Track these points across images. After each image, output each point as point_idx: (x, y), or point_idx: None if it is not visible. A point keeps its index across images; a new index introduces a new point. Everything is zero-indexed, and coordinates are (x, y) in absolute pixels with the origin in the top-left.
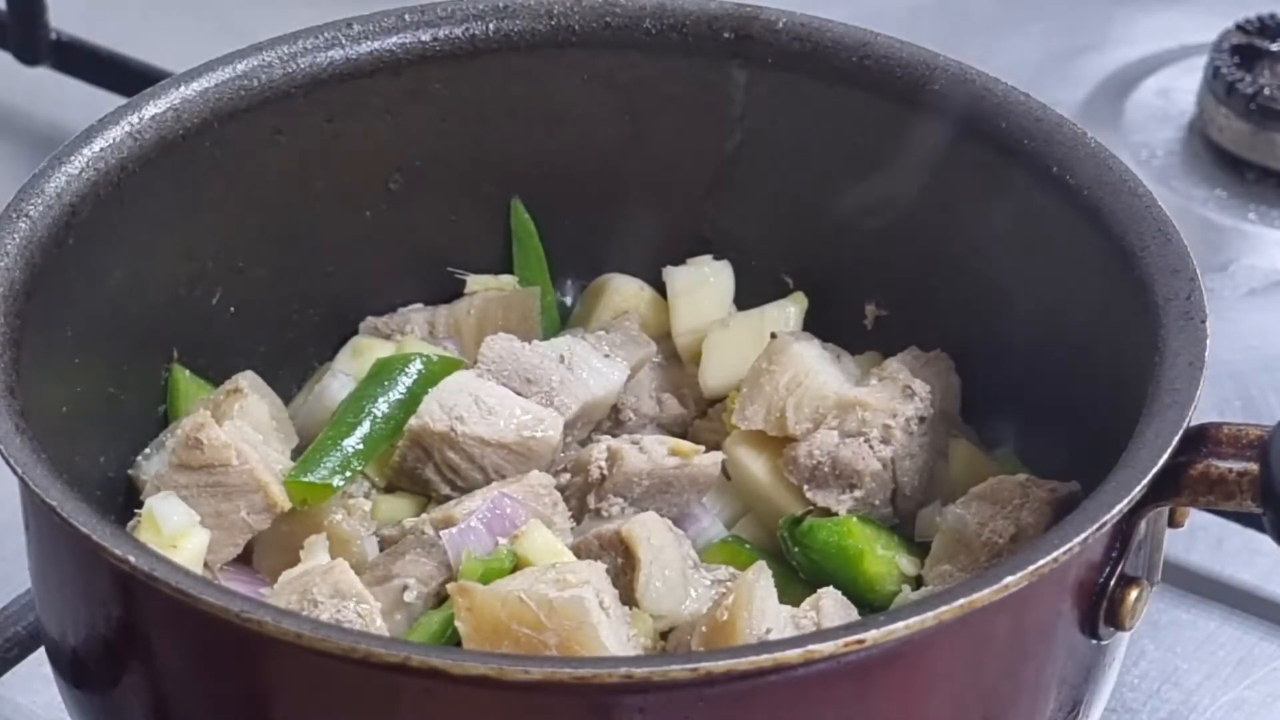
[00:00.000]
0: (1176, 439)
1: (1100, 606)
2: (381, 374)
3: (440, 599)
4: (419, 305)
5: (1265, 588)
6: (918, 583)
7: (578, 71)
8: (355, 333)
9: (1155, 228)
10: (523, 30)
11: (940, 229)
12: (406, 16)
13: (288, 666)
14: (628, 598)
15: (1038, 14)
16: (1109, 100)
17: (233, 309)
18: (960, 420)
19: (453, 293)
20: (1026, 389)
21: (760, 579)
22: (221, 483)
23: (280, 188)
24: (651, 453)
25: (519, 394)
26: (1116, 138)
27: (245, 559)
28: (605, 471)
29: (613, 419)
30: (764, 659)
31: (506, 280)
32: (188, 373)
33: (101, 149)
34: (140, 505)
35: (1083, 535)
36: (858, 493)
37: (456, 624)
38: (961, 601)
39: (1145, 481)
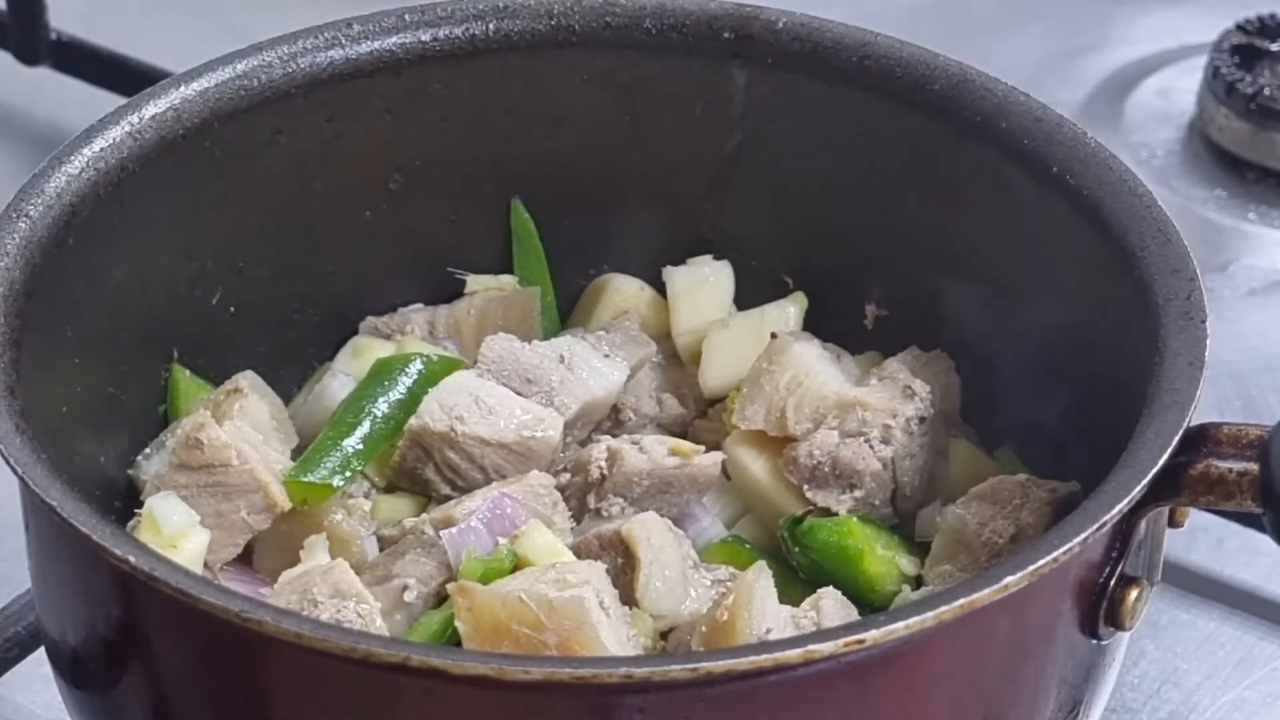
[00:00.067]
0: (1176, 439)
1: (1100, 606)
2: (381, 374)
3: (440, 599)
4: (419, 305)
5: (1265, 588)
6: (918, 583)
7: (578, 71)
8: (355, 333)
9: (1155, 228)
10: (523, 30)
11: (940, 229)
12: (406, 16)
13: (288, 666)
14: (628, 598)
15: (1038, 14)
16: (1109, 100)
17: (233, 309)
18: (960, 420)
19: (453, 293)
20: (1026, 389)
21: (760, 579)
22: (221, 483)
23: (280, 188)
24: (651, 453)
25: (519, 394)
26: (1116, 138)
27: (245, 559)
28: (605, 471)
29: (613, 419)
30: (764, 659)
31: (506, 280)
32: (188, 373)
33: (101, 149)
34: (140, 505)
35: (1083, 535)
36: (858, 493)
37: (456, 624)
38: (961, 601)
39: (1145, 481)
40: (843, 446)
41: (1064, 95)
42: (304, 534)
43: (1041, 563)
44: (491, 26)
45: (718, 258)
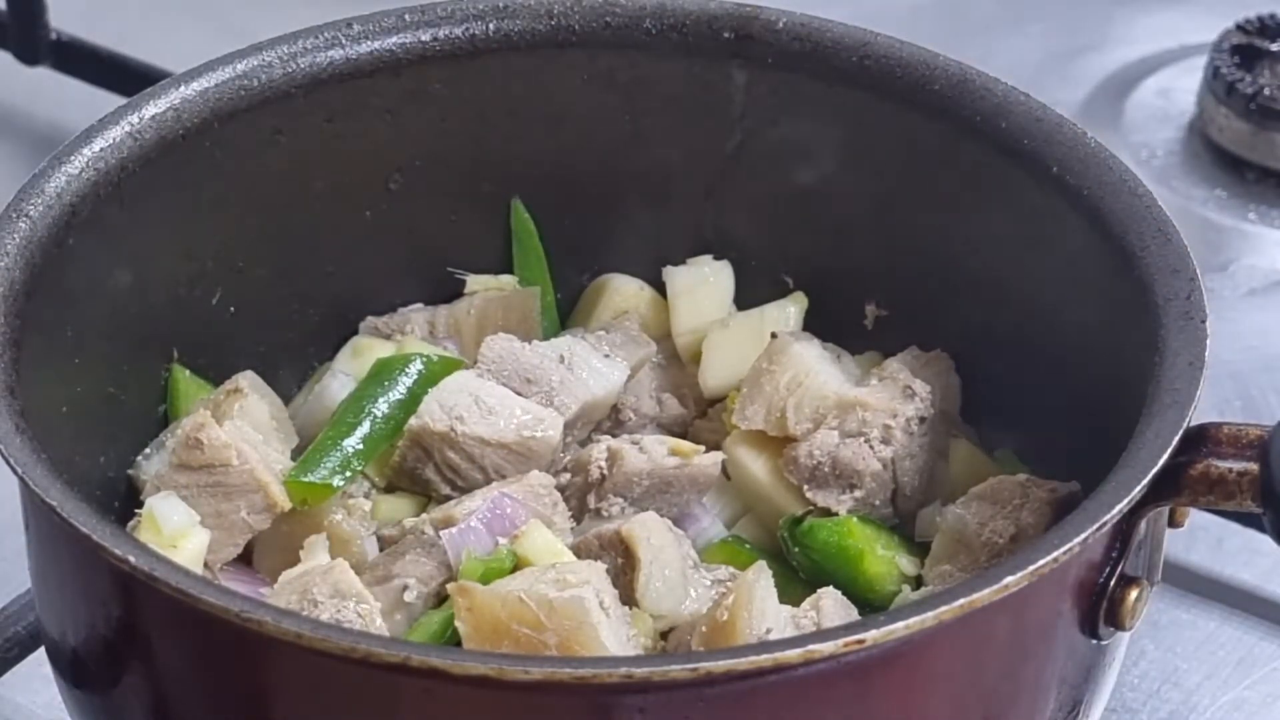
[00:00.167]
0: (1176, 439)
1: (1100, 606)
2: (381, 374)
3: (440, 599)
4: (419, 305)
5: (1265, 588)
6: (918, 583)
7: (578, 71)
8: (355, 333)
9: (1155, 228)
10: (523, 30)
11: (940, 229)
12: (406, 16)
13: (288, 666)
14: (628, 598)
15: (1038, 14)
16: (1109, 100)
17: (233, 309)
18: (960, 420)
19: (453, 293)
20: (1026, 389)
21: (760, 579)
22: (221, 483)
23: (280, 188)
24: (651, 453)
25: (519, 394)
26: (1116, 138)
27: (245, 559)
28: (605, 471)
29: (613, 419)
30: (764, 659)
31: (506, 280)
32: (188, 373)
33: (101, 149)
34: (140, 505)
35: (1083, 535)
36: (858, 493)
37: (456, 624)
38: (961, 601)
39: (1145, 481)
40: (843, 446)
41: (1064, 95)
42: (304, 534)
43: (1041, 563)
44: (491, 26)
45: (718, 258)
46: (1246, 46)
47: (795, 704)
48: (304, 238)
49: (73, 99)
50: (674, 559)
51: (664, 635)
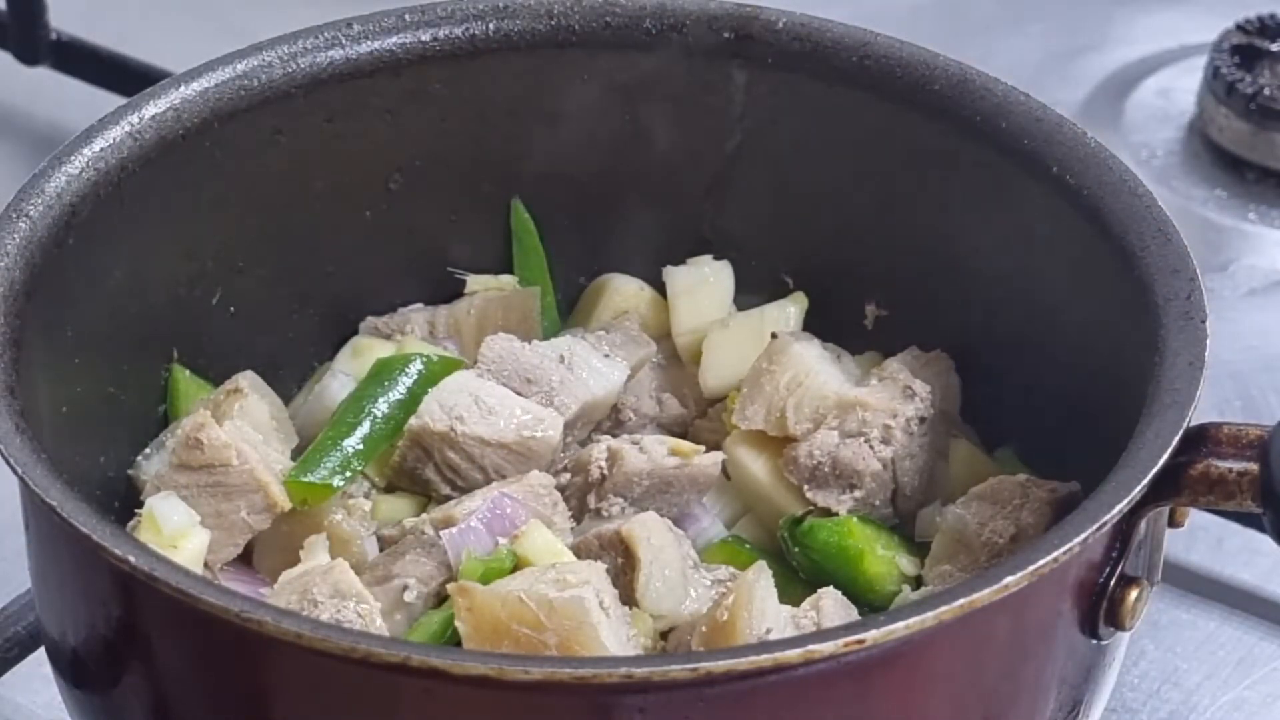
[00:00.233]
0: (1176, 439)
1: (1100, 606)
2: (381, 374)
3: (440, 599)
4: (419, 305)
5: (1265, 588)
6: (918, 583)
7: (578, 71)
8: (355, 333)
9: (1155, 228)
10: (523, 30)
11: (940, 229)
12: (406, 16)
13: (288, 666)
14: (628, 598)
15: (1038, 14)
16: (1109, 100)
17: (233, 309)
18: (960, 420)
19: (453, 293)
20: (1026, 389)
21: (760, 579)
22: (221, 483)
23: (280, 188)
24: (651, 453)
25: (519, 394)
26: (1116, 138)
27: (245, 559)
28: (605, 471)
29: (613, 419)
30: (764, 659)
31: (506, 280)
32: (188, 373)
33: (101, 149)
34: (140, 505)
35: (1083, 535)
36: (858, 493)
37: (456, 624)
38: (961, 601)
39: (1145, 481)
40: (843, 447)
41: (1064, 95)
42: (304, 534)
43: (1041, 563)
44: (491, 26)
45: (718, 258)
46: (1246, 46)
47: (795, 704)
48: (304, 238)
49: (73, 99)
50: (674, 559)
51: (664, 635)
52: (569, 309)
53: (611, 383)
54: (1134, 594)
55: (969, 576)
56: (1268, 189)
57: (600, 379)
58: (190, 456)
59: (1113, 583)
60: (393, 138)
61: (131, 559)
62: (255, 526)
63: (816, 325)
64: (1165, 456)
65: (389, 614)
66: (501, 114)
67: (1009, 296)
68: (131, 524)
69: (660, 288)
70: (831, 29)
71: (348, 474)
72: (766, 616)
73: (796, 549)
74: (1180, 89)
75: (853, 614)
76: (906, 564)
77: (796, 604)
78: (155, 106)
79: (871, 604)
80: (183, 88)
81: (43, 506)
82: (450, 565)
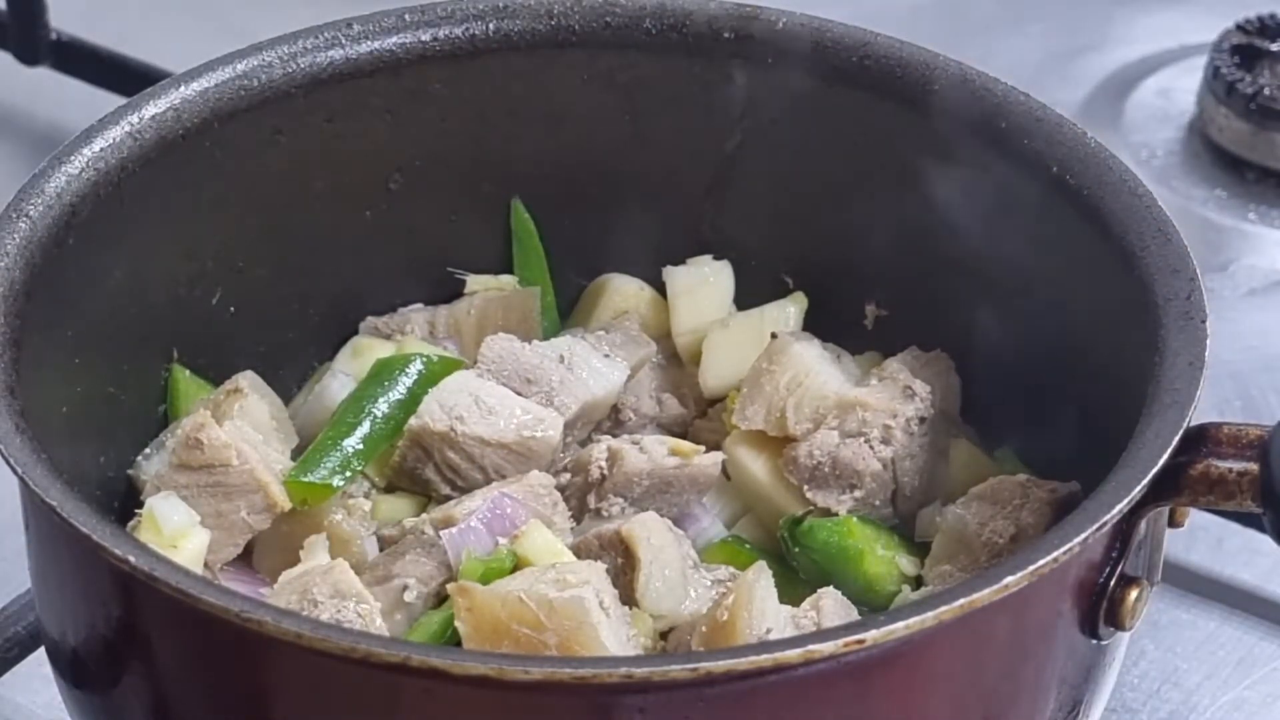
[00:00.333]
0: (1176, 439)
1: (1100, 606)
2: (381, 374)
3: (440, 599)
4: (419, 305)
5: (1265, 588)
6: (918, 583)
7: (578, 71)
8: (355, 333)
9: (1155, 228)
10: (523, 30)
11: (940, 229)
12: (406, 16)
13: (288, 666)
14: (628, 598)
15: (1038, 14)
16: (1109, 100)
17: (233, 309)
18: (960, 420)
19: (453, 293)
20: (1026, 389)
21: (760, 579)
22: (221, 483)
23: (280, 188)
24: (651, 453)
25: (519, 394)
26: (1116, 138)
27: (245, 559)
28: (605, 471)
29: (613, 419)
30: (764, 659)
31: (506, 280)
32: (188, 373)
33: (101, 149)
34: (140, 505)
35: (1083, 535)
36: (858, 493)
37: (456, 624)
38: (961, 601)
39: (1145, 481)
40: (843, 447)
41: (1064, 95)
42: (304, 534)
43: (1041, 563)
44: (491, 26)
45: (718, 258)
46: (1246, 46)
47: (795, 704)
48: (304, 238)
49: (73, 99)
50: (674, 559)
51: (664, 635)
52: (569, 309)
53: (611, 383)
54: (1134, 594)
55: (969, 576)
56: (1268, 189)
57: (600, 379)
58: (190, 456)
59: (1113, 583)
60: (393, 138)
61: (131, 559)
62: (255, 526)
63: (816, 325)
64: (1165, 456)
65: (389, 614)
66: (501, 114)
67: (1009, 296)
68: (131, 524)
69: (660, 288)
70: (831, 29)
71: (348, 474)
72: (766, 616)
73: (796, 549)
74: (1180, 89)
75: (853, 614)
76: (906, 564)
77: (796, 604)
78: (155, 106)
79: (871, 604)
80: (183, 88)
81: (43, 506)
82: (450, 565)
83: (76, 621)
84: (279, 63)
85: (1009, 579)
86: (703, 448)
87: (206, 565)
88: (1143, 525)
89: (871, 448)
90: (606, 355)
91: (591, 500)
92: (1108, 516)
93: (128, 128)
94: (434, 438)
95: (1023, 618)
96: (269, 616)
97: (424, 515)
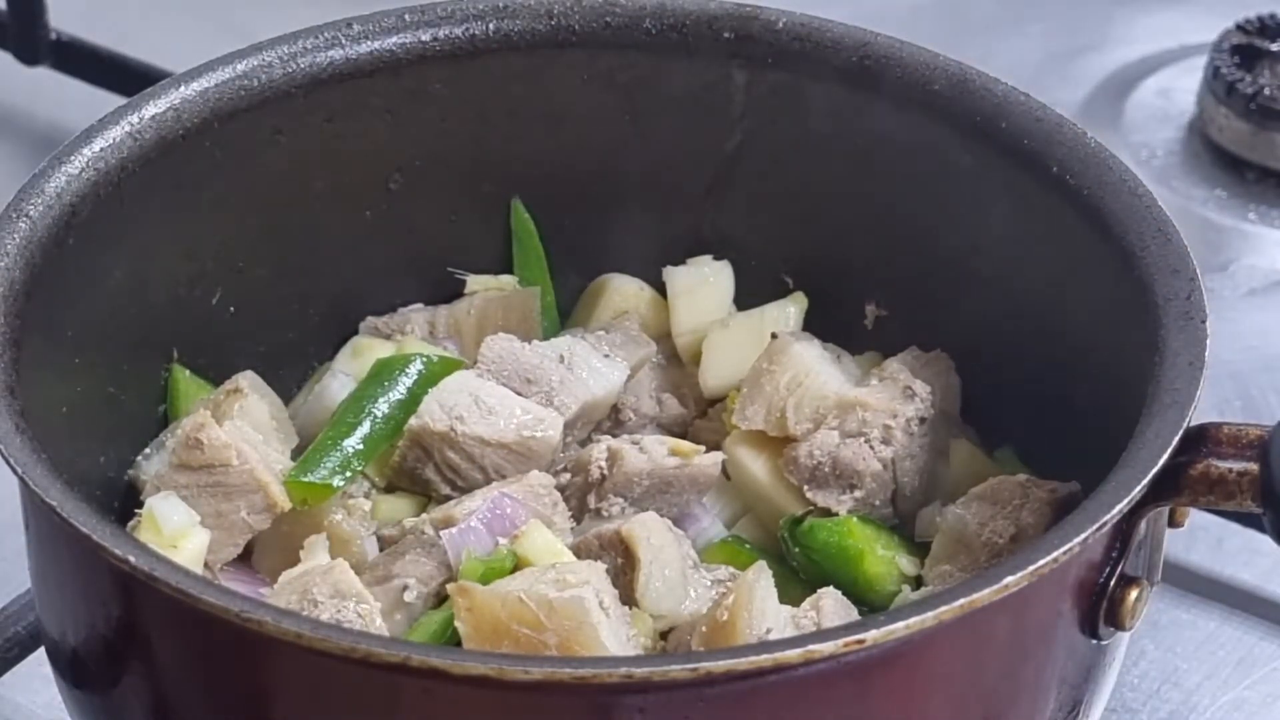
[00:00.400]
0: (1176, 439)
1: (1100, 606)
2: (381, 374)
3: (440, 599)
4: (419, 305)
5: (1265, 588)
6: (918, 583)
7: (578, 71)
8: (355, 333)
9: (1155, 228)
10: (523, 30)
11: (940, 229)
12: (406, 16)
13: (288, 666)
14: (628, 598)
15: (1038, 14)
16: (1109, 100)
17: (233, 309)
18: (960, 420)
19: (453, 293)
20: (1026, 389)
21: (760, 579)
22: (221, 483)
23: (280, 188)
24: (651, 453)
25: (519, 394)
26: (1116, 138)
27: (245, 559)
28: (605, 471)
29: (613, 419)
30: (764, 659)
31: (506, 280)
32: (188, 373)
33: (101, 149)
34: (140, 505)
35: (1083, 535)
36: (858, 493)
37: (456, 624)
38: (961, 601)
39: (1145, 481)
40: (843, 447)
41: (1064, 95)
42: (304, 534)
43: (1041, 563)
44: (491, 26)
45: (718, 258)
46: (1246, 46)
47: (795, 704)
48: (304, 238)
49: (73, 99)
50: (674, 559)
51: (664, 635)
52: (569, 309)
53: (611, 383)
54: (1134, 594)
55: (969, 576)
56: (1268, 189)
57: (600, 379)
58: (190, 456)
59: (1113, 583)
60: (393, 138)
61: (131, 559)
62: (255, 526)
63: (816, 325)
64: (1165, 456)
65: (389, 614)
66: (501, 114)
67: (1009, 296)
68: (131, 524)
69: (660, 288)
70: (831, 29)
71: (348, 474)
72: (766, 616)
73: (796, 549)
74: (1180, 89)
75: (853, 614)
76: (906, 564)
77: (796, 604)
78: (155, 106)
79: (871, 604)
80: (183, 88)
81: (43, 506)
82: (450, 565)
83: (76, 621)
84: (279, 63)
85: (1009, 579)
86: (703, 448)
87: (206, 565)
88: (1143, 525)
89: (871, 448)
90: (606, 355)
91: (591, 500)
92: (1108, 516)
93: (128, 128)
94: (434, 438)
95: (1023, 618)
96: (269, 616)
97: (424, 515)
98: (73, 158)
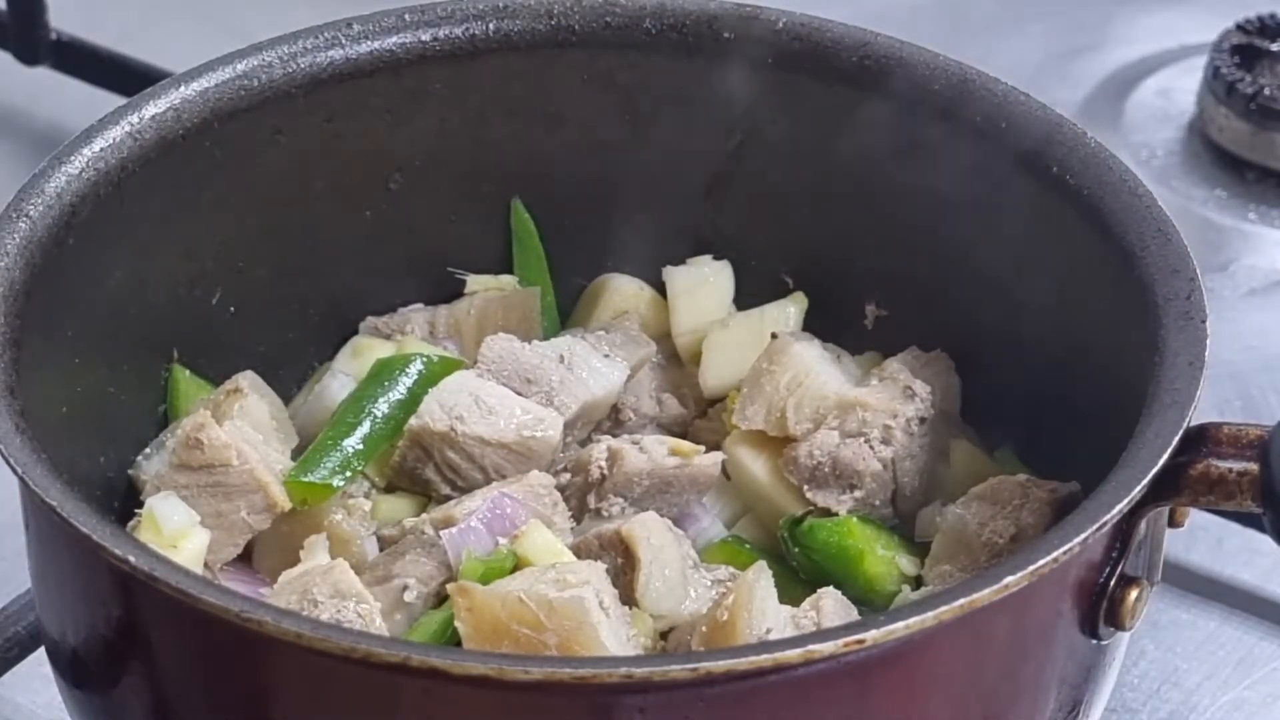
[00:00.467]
0: (1176, 439)
1: (1100, 606)
2: (381, 374)
3: (440, 599)
4: (419, 305)
5: (1265, 588)
6: (918, 583)
7: (578, 71)
8: (355, 333)
9: (1155, 228)
10: (523, 30)
11: (940, 229)
12: (406, 16)
13: (288, 666)
14: (628, 598)
15: (1038, 14)
16: (1109, 100)
17: (233, 309)
18: (960, 420)
19: (453, 293)
20: (1026, 389)
21: (760, 579)
22: (221, 483)
23: (280, 188)
24: (651, 453)
25: (519, 394)
26: (1116, 138)
27: (245, 559)
28: (605, 471)
29: (613, 419)
30: (764, 659)
31: (506, 280)
32: (188, 373)
33: (101, 149)
34: (140, 505)
35: (1083, 535)
36: (858, 493)
37: (456, 624)
38: (961, 601)
39: (1145, 481)
40: (843, 447)
41: (1064, 95)
42: (304, 534)
43: (1041, 563)
44: (491, 26)
45: (718, 258)
46: (1246, 46)
47: (795, 704)
48: (304, 238)
49: (73, 99)
50: (674, 559)
51: (664, 635)
52: (569, 309)
53: (611, 383)
54: (1134, 594)
55: (969, 576)
56: (1268, 189)
57: (600, 379)
58: (190, 456)
59: (1113, 583)
60: (393, 138)
61: (131, 559)
62: (255, 526)
63: (816, 325)
64: (1165, 456)
65: (389, 614)
66: (501, 114)
67: (1009, 296)
68: (131, 524)
69: (660, 288)
70: (831, 29)
71: (348, 474)
72: (766, 616)
73: (796, 549)
74: (1180, 89)
75: (853, 614)
76: (906, 564)
77: (796, 604)
78: (155, 106)
79: (871, 604)
80: (183, 88)
81: (43, 506)
82: (450, 565)
83: (76, 621)
84: (279, 63)
85: (1009, 579)
86: (703, 448)
87: (206, 565)
88: (1143, 525)
89: (871, 448)
90: (606, 355)
91: (591, 500)
92: (1108, 516)
93: (128, 128)
94: (434, 438)
95: (1023, 618)
96: (269, 616)
97: (424, 515)
98: (73, 158)
